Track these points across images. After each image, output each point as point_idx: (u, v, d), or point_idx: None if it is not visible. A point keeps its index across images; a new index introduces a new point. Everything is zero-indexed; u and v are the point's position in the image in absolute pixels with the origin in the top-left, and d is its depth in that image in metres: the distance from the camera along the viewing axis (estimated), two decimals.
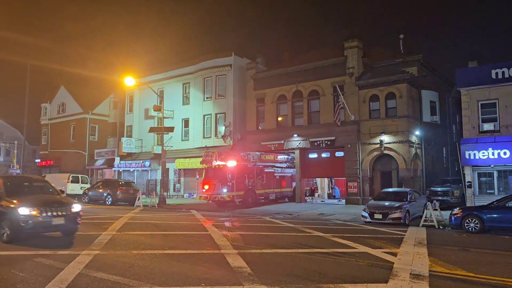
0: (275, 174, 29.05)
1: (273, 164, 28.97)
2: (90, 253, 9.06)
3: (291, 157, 31.00)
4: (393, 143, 26.35)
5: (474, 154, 21.74)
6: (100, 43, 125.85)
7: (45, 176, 35.01)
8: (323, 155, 30.22)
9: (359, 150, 27.65)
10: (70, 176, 31.82)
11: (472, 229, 15.07)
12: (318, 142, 29.13)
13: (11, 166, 46.28)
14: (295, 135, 30.09)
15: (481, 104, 22.45)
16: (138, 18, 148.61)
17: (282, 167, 29.86)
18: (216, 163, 24.91)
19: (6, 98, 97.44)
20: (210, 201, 25.32)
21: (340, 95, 27.71)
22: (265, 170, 28.04)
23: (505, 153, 20.86)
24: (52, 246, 10.01)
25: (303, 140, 29.83)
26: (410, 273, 7.82)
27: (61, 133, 49.14)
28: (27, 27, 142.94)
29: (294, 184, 30.28)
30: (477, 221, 15.04)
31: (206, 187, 25.25)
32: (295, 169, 30.32)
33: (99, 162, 43.92)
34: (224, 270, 7.76)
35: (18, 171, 45.55)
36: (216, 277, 7.25)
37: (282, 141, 30.79)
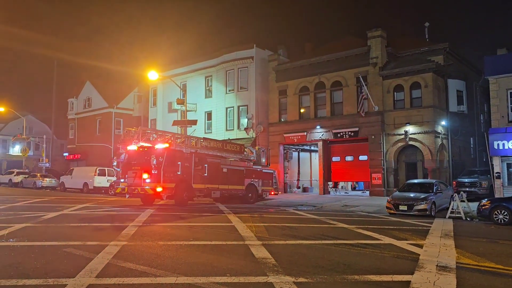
0: (222, 167, 22.68)
1: (220, 154, 23.00)
2: (118, 244, 9.27)
3: (251, 148, 26.35)
4: (418, 133, 25.91)
5: (503, 144, 21.20)
6: (125, 37, 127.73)
7: (72, 169, 35.91)
8: (347, 158, 29.92)
9: (383, 141, 27.31)
10: (97, 169, 32.53)
11: (501, 221, 14.74)
12: (341, 133, 28.90)
13: (41, 160, 47.66)
14: (318, 127, 29.93)
15: (510, 92, 21.85)
16: (162, 12, 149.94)
17: (231, 158, 23.96)
18: (138, 144, 19.28)
19: (34, 93, 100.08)
20: (128, 195, 19.79)
21: (363, 86, 27.37)
22: (208, 160, 21.77)
23: None
24: (81, 237, 10.30)
25: (326, 132, 29.65)
26: (437, 265, 7.72)
27: (87, 127, 50.25)
28: (55, 22, 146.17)
29: (248, 181, 24.06)
30: (506, 213, 14.71)
31: (127, 176, 19.74)
32: (251, 163, 25.40)
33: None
34: (249, 261, 7.83)
35: (47, 164, 46.91)
36: (241, 268, 7.32)
37: (305, 133, 30.68)
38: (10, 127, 67.65)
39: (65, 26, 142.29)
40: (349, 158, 29.92)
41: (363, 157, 28.78)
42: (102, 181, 31.88)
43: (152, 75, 29.71)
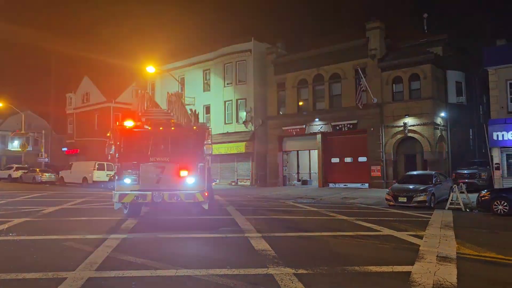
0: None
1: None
2: (118, 237, 9.27)
3: None
4: (417, 125, 25.86)
5: (503, 135, 21.16)
6: (123, 31, 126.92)
7: (72, 164, 35.88)
8: (347, 159, 29.54)
9: (382, 133, 27.25)
10: (96, 164, 32.54)
11: (500, 211, 14.73)
12: (340, 126, 28.83)
13: (40, 155, 47.58)
14: (317, 119, 29.85)
15: (510, 83, 21.75)
16: (161, 6, 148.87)
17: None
18: (172, 118, 12.66)
19: (33, 88, 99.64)
20: (143, 205, 12.87)
21: (362, 78, 27.25)
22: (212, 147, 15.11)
23: None
24: (81, 231, 10.27)
25: (324, 124, 29.58)
26: (437, 255, 7.73)
27: (86, 122, 50.14)
28: (52, 15, 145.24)
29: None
30: (506, 204, 14.69)
31: (138, 172, 11.56)
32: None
33: None
34: (249, 253, 7.83)
35: (47, 159, 46.86)
36: (241, 260, 7.32)
37: (304, 126, 30.61)
38: (9, 122, 67.38)
39: (63, 19, 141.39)
40: (348, 160, 29.65)
41: (362, 159, 28.58)
42: (101, 176, 31.89)
43: (150, 69, 29.66)
